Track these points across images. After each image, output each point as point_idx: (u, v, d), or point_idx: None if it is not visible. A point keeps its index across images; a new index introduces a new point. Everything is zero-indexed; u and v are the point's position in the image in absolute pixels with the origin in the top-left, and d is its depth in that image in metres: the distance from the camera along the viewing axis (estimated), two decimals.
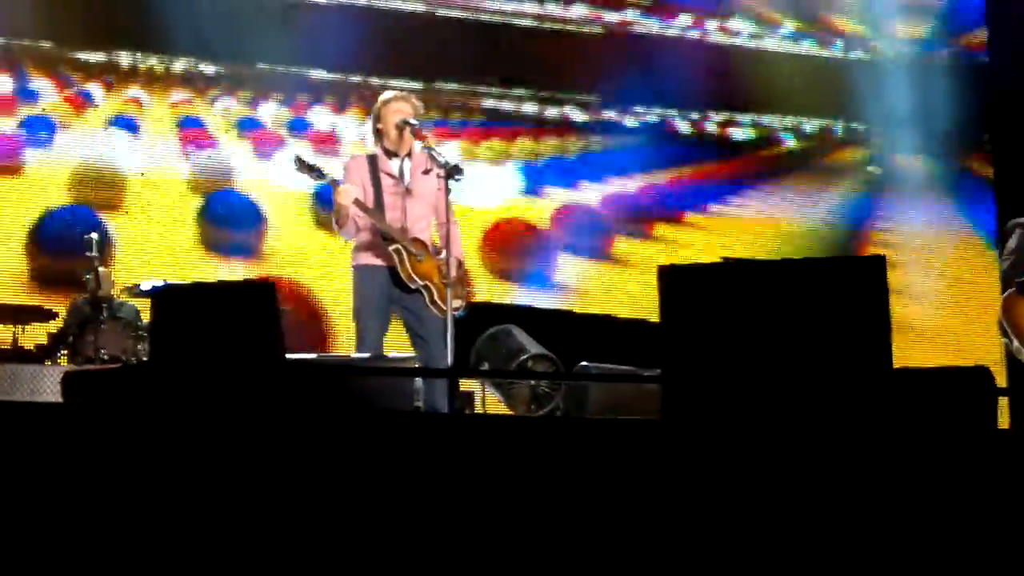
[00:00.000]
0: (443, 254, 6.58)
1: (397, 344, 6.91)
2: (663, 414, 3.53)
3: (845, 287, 3.53)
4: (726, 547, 3.20)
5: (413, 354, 6.62)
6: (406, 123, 6.64)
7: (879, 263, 3.61)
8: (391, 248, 6.56)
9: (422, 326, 6.61)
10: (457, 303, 6.49)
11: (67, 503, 3.41)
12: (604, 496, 3.29)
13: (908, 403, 3.62)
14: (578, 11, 11.52)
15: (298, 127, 11.20)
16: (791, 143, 11.86)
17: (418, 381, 6.03)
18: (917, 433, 3.42)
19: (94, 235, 9.02)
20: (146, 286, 8.78)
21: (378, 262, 6.61)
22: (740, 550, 3.20)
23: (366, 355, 6.31)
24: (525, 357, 7.19)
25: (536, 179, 11.29)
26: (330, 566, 3.31)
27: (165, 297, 5.11)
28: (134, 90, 10.83)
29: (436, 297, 6.55)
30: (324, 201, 10.37)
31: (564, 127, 11.45)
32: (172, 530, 3.38)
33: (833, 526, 3.18)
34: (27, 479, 3.43)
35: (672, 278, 3.59)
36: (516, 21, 11.55)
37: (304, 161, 6.77)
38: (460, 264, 6.63)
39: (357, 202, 6.52)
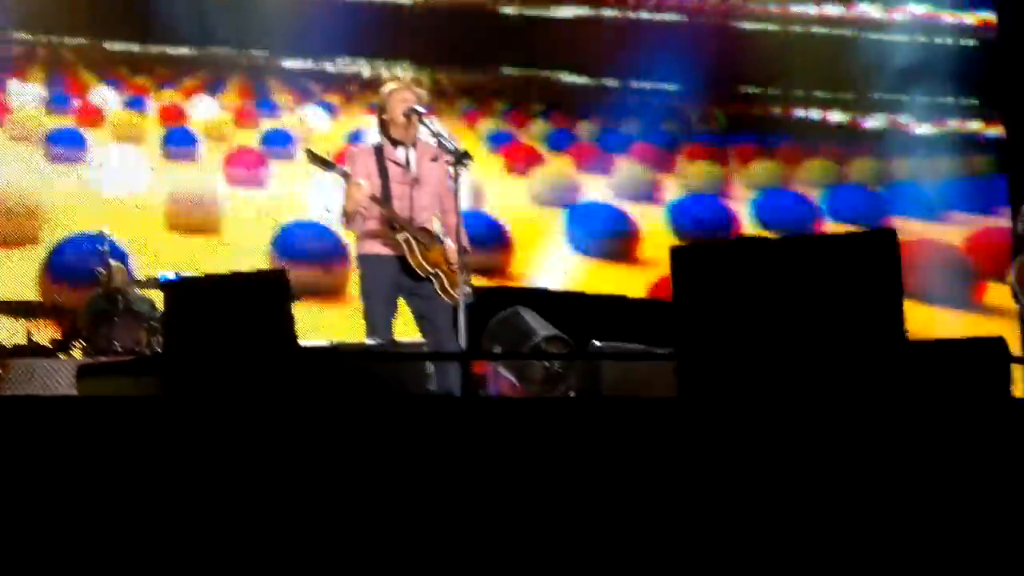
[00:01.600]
0: (450, 241, 6.59)
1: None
2: (679, 392, 3.52)
3: (857, 261, 3.52)
4: (741, 526, 3.20)
5: (423, 340, 6.63)
6: (413, 111, 6.63)
7: (891, 236, 3.60)
8: (400, 237, 6.56)
9: (432, 313, 6.63)
10: (466, 289, 6.49)
11: (81, 497, 3.42)
12: (619, 476, 3.29)
13: (923, 375, 3.61)
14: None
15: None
16: None
17: (429, 366, 6.04)
18: (932, 405, 3.41)
19: (104, 228, 9.03)
20: (163, 278, 8.81)
21: (386, 251, 6.61)
22: (755, 529, 3.19)
23: (379, 342, 6.33)
24: (537, 339, 7.20)
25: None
26: (343, 552, 3.32)
27: (177, 288, 5.12)
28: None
29: (446, 284, 6.57)
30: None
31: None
32: (186, 521, 3.38)
33: (848, 501, 3.18)
34: (42, 473, 3.44)
35: (683, 256, 3.59)
36: None
37: (315, 154, 6.77)
38: (465, 251, 6.62)
39: (373, 197, 6.52)
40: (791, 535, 3.18)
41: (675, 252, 3.59)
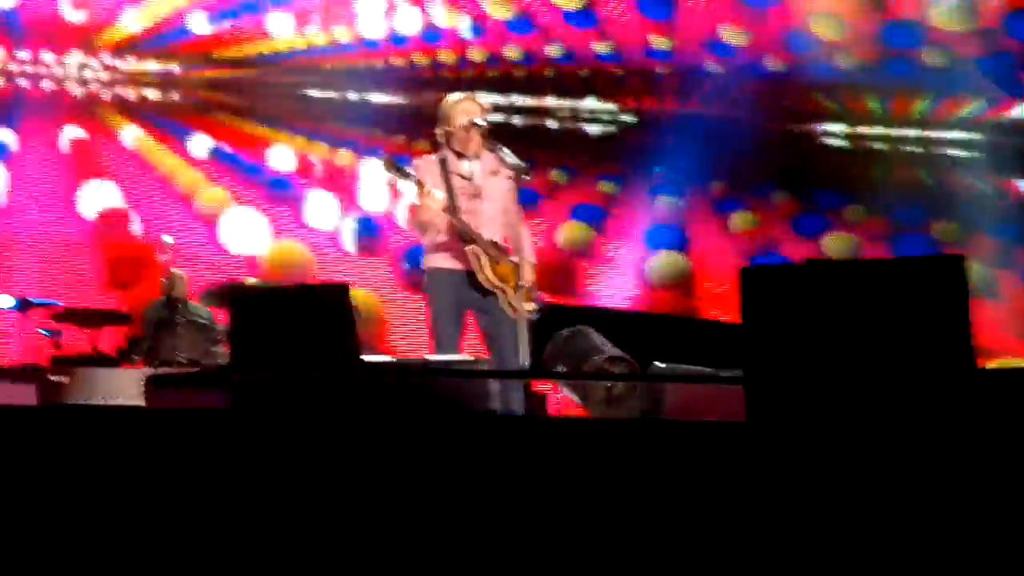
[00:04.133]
0: (516, 256, 6.58)
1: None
2: (748, 416, 3.51)
3: (926, 286, 3.50)
4: (811, 549, 3.18)
5: (487, 357, 6.62)
6: (474, 124, 6.63)
7: (958, 262, 3.58)
8: (468, 250, 6.56)
9: (497, 329, 6.60)
10: (531, 306, 6.49)
11: (148, 505, 3.45)
12: (682, 500, 3.28)
13: (992, 403, 3.58)
14: None
15: None
16: None
17: (493, 384, 6.04)
18: (1003, 434, 3.39)
19: (168, 238, 9.09)
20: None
21: (455, 265, 6.60)
22: (824, 556, 3.18)
23: (445, 358, 6.33)
24: (600, 358, 7.17)
25: None
26: (404, 566, 3.33)
27: (242, 300, 5.15)
28: None
29: (512, 299, 6.55)
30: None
31: None
32: (255, 530, 3.41)
33: (919, 528, 3.15)
34: (107, 482, 3.47)
35: (754, 279, 3.58)
36: None
37: (394, 162, 6.80)
38: (532, 266, 6.63)
39: (445, 208, 6.52)
40: (859, 561, 3.16)
41: (745, 273, 3.58)
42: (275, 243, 10.40)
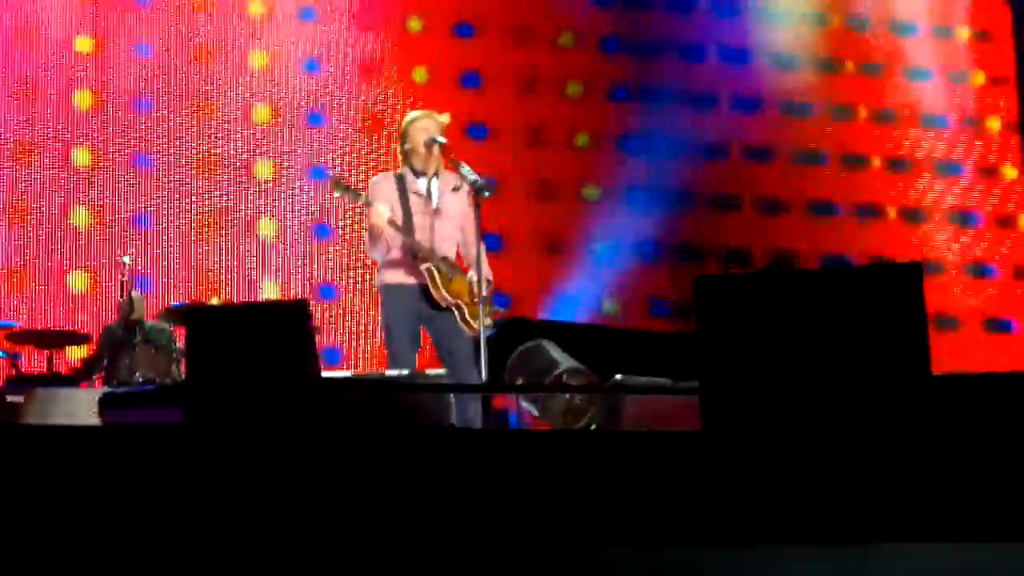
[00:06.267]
0: (472, 272, 6.58)
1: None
2: (704, 426, 3.50)
3: (882, 294, 3.51)
4: (764, 559, 3.18)
5: (444, 371, 6.62)
6: (434, 141, 6.65)
7: (915, 270, 3.59)
8: (422, 267, 6.56)
9: (452, 344, 6.61)
10: (487, 321, 6.49)
11: (104, 526, 3.41)
12: (641, 510, 3.27)
13: (949, 409, 3.59)
14: None
15: None
16: None
17: (451, 398, 6.03)
18: (959, 439, 3.39)
19: (126, 258, 9.03)
20: (176, 306, 8.82)
21: (409, 280, 6.61)
22: (778, 566, 3.17)
23: (401, 373, 6.31)
24: (559, 371, 7.17)
25: None
26: None
27: (199, 318, 5.11)
28: None
29: (467, 315, 6.56)
30: None
31: None
32: (207, 551, 3.37)
33: (873, 534, 3.16)
34: (64, 502, 3.43)
35: (708, 288, 3.58)
36: None
37: (340, 182, 6.81)
38: (489, 282, 6.63)
39: (390, 222, 6.53)
40: (809, 567, 3.16)
41: (699, 282, 3.58)
42: None
